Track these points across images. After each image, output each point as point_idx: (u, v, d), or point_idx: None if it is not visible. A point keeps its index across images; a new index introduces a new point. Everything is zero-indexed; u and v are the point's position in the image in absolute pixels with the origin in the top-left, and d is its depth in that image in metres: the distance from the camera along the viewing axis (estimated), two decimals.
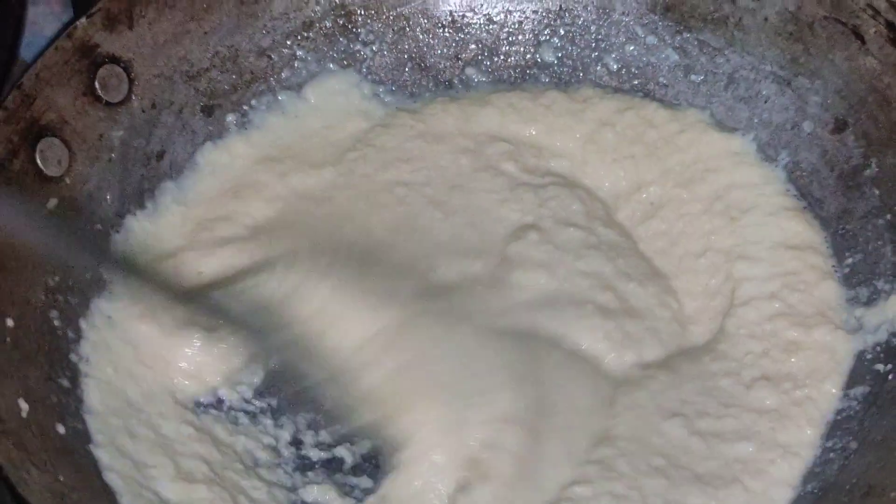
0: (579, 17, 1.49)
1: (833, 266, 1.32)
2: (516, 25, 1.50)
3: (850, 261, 1.32)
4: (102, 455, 1.20)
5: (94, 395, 1.25)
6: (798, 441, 1.22)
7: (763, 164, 1.40)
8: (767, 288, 1.31)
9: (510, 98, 1.49)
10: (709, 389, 1.26)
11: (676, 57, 1.46)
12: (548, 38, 1.50)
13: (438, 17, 1.50)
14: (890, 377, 1.23)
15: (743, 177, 1.40)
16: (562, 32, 1.49)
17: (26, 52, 1.53)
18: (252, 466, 1.25)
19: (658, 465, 1.21)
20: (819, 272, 1.32)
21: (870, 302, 1.29)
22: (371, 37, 1.49)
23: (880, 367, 1.24)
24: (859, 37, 1.32)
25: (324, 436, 1.27)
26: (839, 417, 1.23)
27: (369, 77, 1.49)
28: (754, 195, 1.39)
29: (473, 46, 1.51)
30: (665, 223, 1.39)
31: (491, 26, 1.50)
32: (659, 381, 1.27)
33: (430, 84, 1.50)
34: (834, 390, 1.25)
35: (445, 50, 1.50)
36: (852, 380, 1.25)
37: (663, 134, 1.44)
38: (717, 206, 1.39)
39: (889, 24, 1.29)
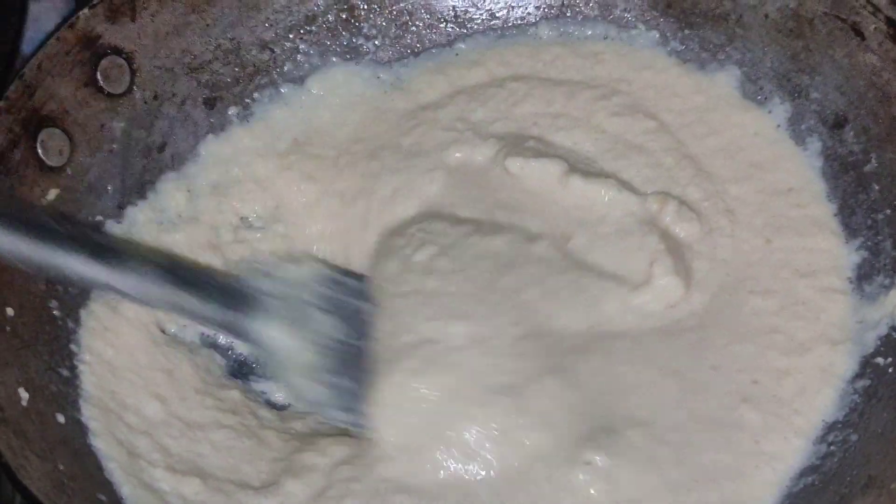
0: (581, 12, 1.48)
1: (849, 279, 1.30)
2: (519, 21, 1.49)
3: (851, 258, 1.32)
4: (101, 445, 1.20)
5: (90, 380, 1.24)
6: (784, 449, 1.21)
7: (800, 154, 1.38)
8: (773, 321, 1.29)
9: (505, 55, 1.47)
10: (687, 409, 1.24)
11: (678, 53, 1.45)
12: (549, 33, 1.48)
13: (441, 12, 1.49)
14: (890, 370, 1.22)
15: (786, 177, 1.37)
16: (561, 30, 1.48)
17: (28, 47, 1.52)
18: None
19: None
20: (831, 293, 1.30)
21: (871, 297, 1.28)
22: (374, 31, 1.48)
23: (880, 360, 1.23)
24: (859, 33, 1.31)
25: None
26: (840, 414, 1.22)
27: (371, 65, 1.48)
28: (792, 205, 1.36)
29: (475, 40, 1.49)
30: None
31: (493, 21, 1.49)
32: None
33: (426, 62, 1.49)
34: (827, 403, 1.23)
35: (447, 46, 1.49)
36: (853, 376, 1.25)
37: (688, 107, 1.42)
38: (756, 220, 1.35)
39: (889, 21, 1.29)
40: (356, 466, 1.21)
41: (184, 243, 1.36)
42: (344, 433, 1.25)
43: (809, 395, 1.24)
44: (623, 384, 1.23)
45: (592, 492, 1.17)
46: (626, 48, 1.46)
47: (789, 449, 1.21)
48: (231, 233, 1.39)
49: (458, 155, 1.38)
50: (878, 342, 1.25)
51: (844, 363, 1.25)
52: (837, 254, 1.32)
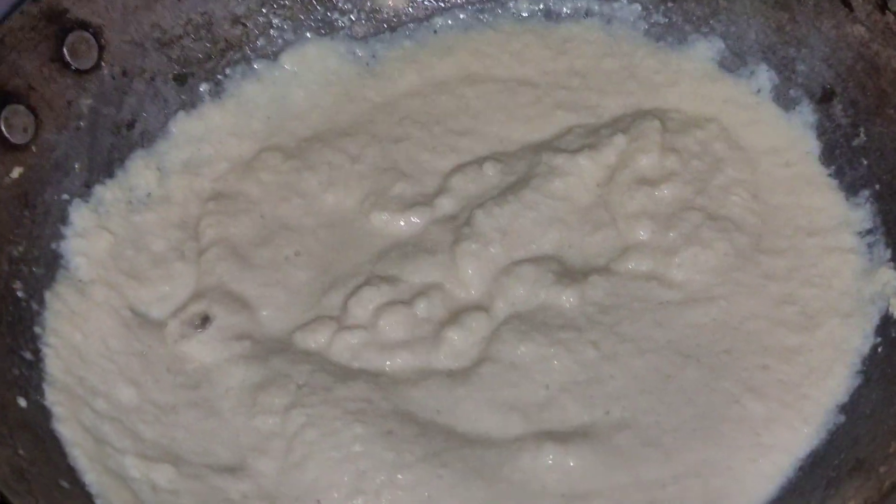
0: None
1: (859, 233, 1.27)
2: None
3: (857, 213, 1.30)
4: (65, 430, 1.16)
5: (55, 364, 1.21)
6: (789, 439, 1.17)
7: (784, 118, 1.36)
8: (786, 288, 1.25)
9: (478, 42, 1.46)
10: (678, 401, 1.20)
11: (661, 27, 1.43)
12: (527, 5, 1.47)
13: None
14: (879, 350, 1.19)
15: (764, 139, 1.36)
16: (541, 5, 1.47)
17: None
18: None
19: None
20: (840, 253, 1.27)
21: (875, 264, 1.25)
22: (349, 5, 1.46)
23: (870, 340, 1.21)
24: (847, 3, 1.30)
25: None
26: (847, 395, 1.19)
27: (346, 41, 1.46)
28: (778, 164, 1.34)
29: (453, 15, 1.47)
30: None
31: None
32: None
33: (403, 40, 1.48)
34: (838, 383, 1.19)
35: (425, 21, 1.47)
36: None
37: (647, 85, 1.41)
38: (742, 176, 1.33)
39: None
40: (305, 407, 1.18)
41: (154, 223, 1.33)
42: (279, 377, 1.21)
43: (820, 375, 1.19)
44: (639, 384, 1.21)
45: (547, 479, 1.14)
46: (598, 32, 1.45)
47: (796, 438, 1.16)
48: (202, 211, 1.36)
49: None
50: (877, 320, 1.21)
51: (857, 338, 1.21)
52: (838, 211, 1.29)
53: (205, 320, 1.26)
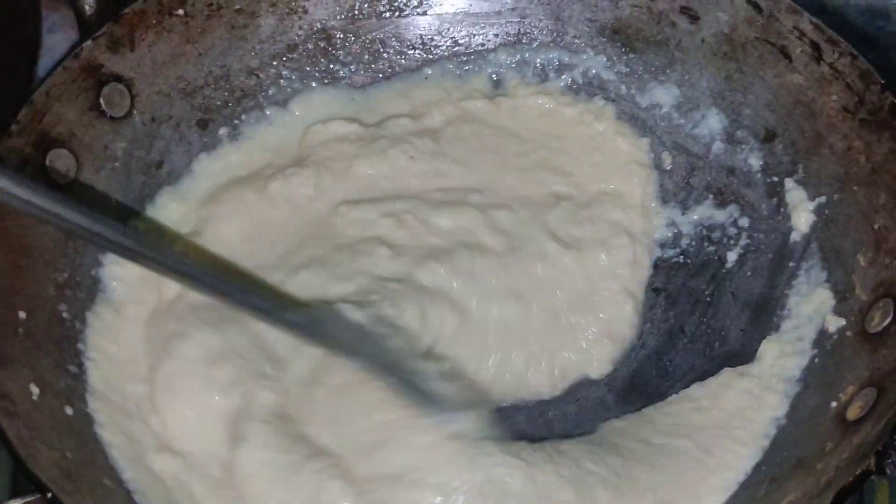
0: (535, 39, 1.48)
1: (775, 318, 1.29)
2: (479, 47, 1.49)
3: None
4: (105, 434, 1.20)
5: (95, 376, 1.24)
6: (732, 459, 1.18)
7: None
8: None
9: (464, 89, 1.46)
10: (611, 449, 1.20)
11: (623, 76, 1.45)
12: (506, 58, 1.49)
13: (409, 40, 1.49)
14: (816, 360, 1.22)
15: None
16: (517, 57, 1.49)
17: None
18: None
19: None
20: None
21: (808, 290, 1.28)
22: (349, 58, 1.48)
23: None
24: (787, 56, 1.31)
25: None
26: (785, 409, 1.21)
27: (346, 89, 1.49)
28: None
29: (441, 66, 1.50)
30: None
31: (456, 48, 1.50)
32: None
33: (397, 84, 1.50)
34: (776, 413, 1.20)
35: (416, 71, 1.50)
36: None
37: (610, 160, 1.42)
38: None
39: (813, 45, 1.28)
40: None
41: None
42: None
43: (754, 409, 1.21)
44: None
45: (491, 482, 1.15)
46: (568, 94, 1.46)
47: (740, 456, 1.18)
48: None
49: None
50: (814, 335, 1.24)
51: (792, 364, 1.23)
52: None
53: None
